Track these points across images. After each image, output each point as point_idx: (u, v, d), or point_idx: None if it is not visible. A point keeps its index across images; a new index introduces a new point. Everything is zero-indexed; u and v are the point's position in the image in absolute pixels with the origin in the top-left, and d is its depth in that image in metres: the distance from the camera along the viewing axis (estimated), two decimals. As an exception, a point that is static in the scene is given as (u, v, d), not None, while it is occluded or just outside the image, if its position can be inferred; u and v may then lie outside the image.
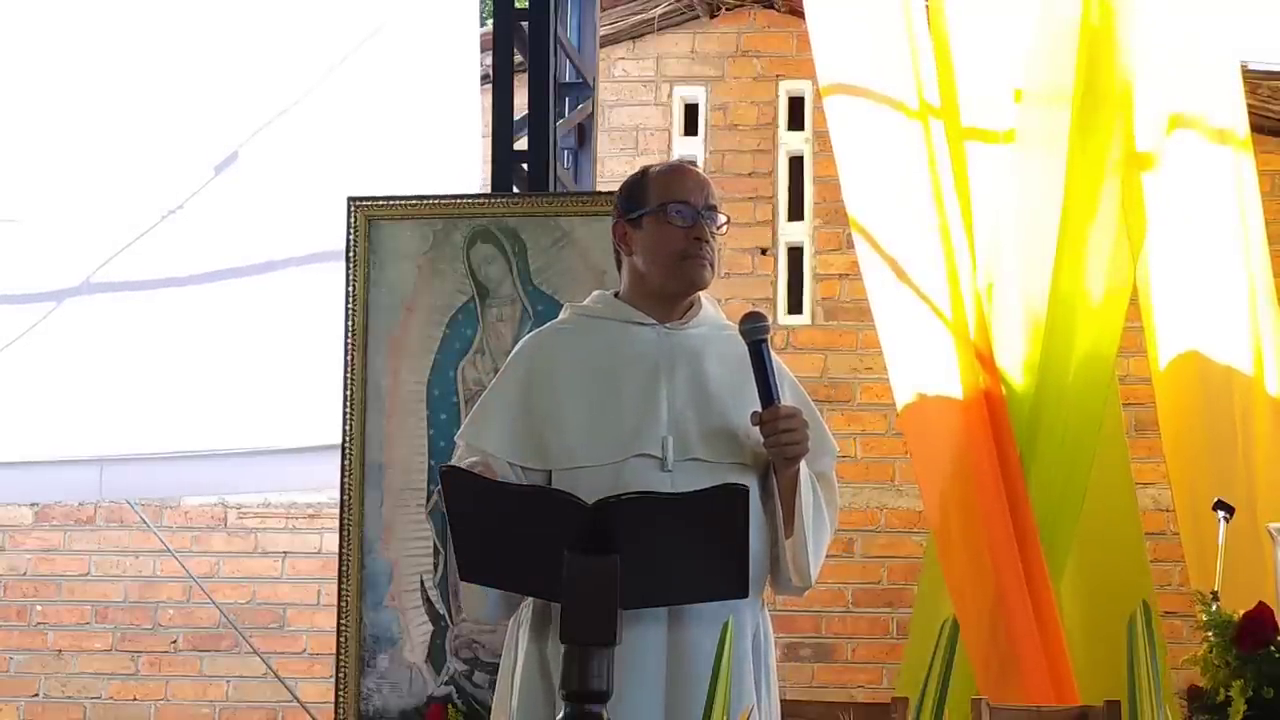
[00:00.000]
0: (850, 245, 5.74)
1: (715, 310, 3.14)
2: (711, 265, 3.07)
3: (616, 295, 3.13)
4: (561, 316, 3.19)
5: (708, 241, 3.05)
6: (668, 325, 3.07)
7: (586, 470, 2.94)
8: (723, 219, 3.10)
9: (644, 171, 3.15)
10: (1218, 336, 5.23)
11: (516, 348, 3.17)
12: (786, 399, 3.05)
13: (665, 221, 3.05)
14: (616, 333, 3.07)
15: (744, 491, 2.65)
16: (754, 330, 2.97)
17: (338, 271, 4.92)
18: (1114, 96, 5.18)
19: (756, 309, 3.06)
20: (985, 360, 5.15)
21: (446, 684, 4.71)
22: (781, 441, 2.93)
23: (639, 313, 3.08)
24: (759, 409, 2.96)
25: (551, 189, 5.14)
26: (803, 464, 3.00)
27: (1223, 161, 5.25)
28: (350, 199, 4.89)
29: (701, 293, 3.14)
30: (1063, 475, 5.09)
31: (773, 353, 3.13)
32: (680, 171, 3.14)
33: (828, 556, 3.10)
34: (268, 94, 5.73)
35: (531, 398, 3.02)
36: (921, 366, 5.20)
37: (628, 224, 3.10)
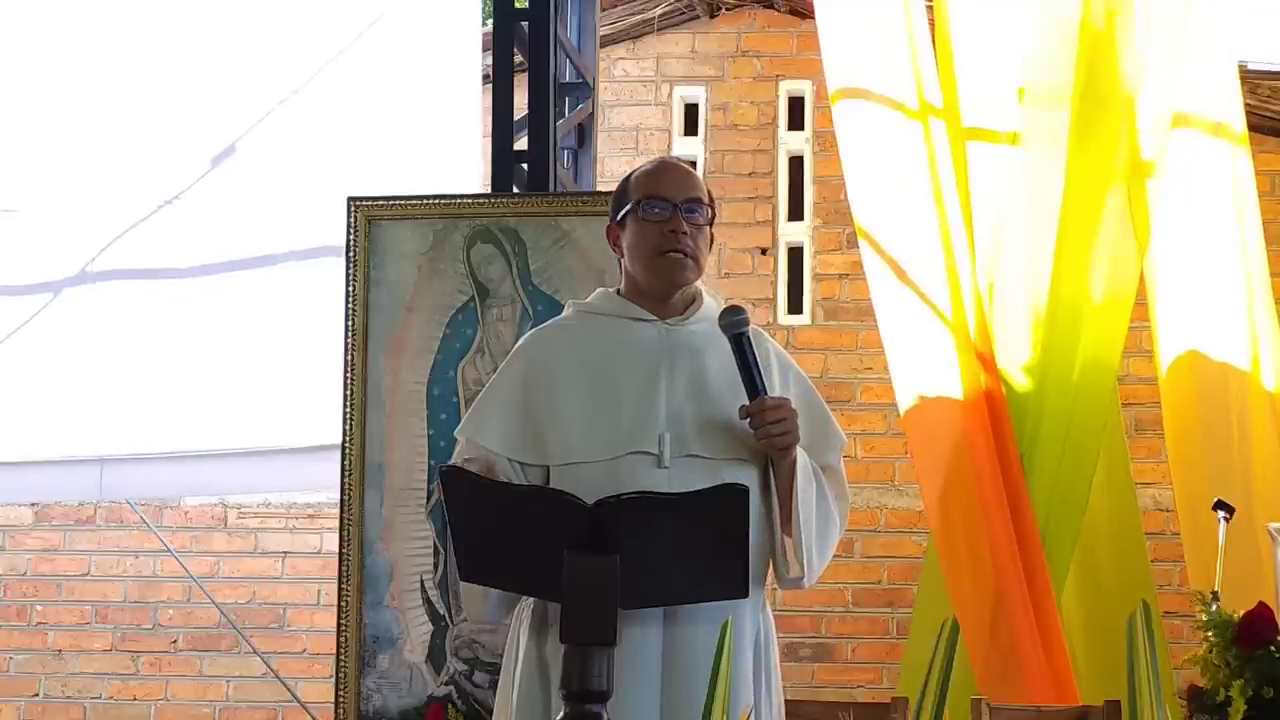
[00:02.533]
0: (850, 245, 5.75)
1: (719, 306, 3.13)
2: (694, 259, 3.05)
3: (619, 293, 3.13)
4: (565, 314, 3.19)
5: (685, 235, 3.03)
6: (668, 321, 3.07)
7: (583, 466, 2.94)
8: (705, 212, 3.07)
9: (629, 174, 3.15)
10: (1215, 335, 5.23)
11: (518, 344, 3.18)
12: (792, 392, 3.06)
13: (642, 219, 3.05)
14: (617, 329, 3.07)
15: (744, 492, 2.65)
16: (733, 324, 2.98)
17: (336, 266, 4.91)
18: (1116, 98, 5.18)
19: (735, 303, 3.06)
20: (986, 361, 5.14)
21: (446, 684, 4.71)
22: (771, 433, 2.93)
23: (640, 309, 3.07)
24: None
25: (551, 189, 5.14)
26: (803, 456, 2.99)
27: (1220, 158, 5.25)
28: (350, 199, 4.89)
29: (704, 289, 3.14)
30: (1065, 477, 5.09)
31: (776, 344, 3.14)
32: (659, 169, 3.13)
33: (827, 556, 3.09)
34: (267, 87, 5.72)
35: (531, 394, 3.02)
36: (924, 368, 5.19)
37: (617, 225, 3.11)
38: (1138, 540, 5.34)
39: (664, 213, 3.04)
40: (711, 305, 3.12)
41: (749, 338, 2.97)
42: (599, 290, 3.18)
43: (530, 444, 2.99)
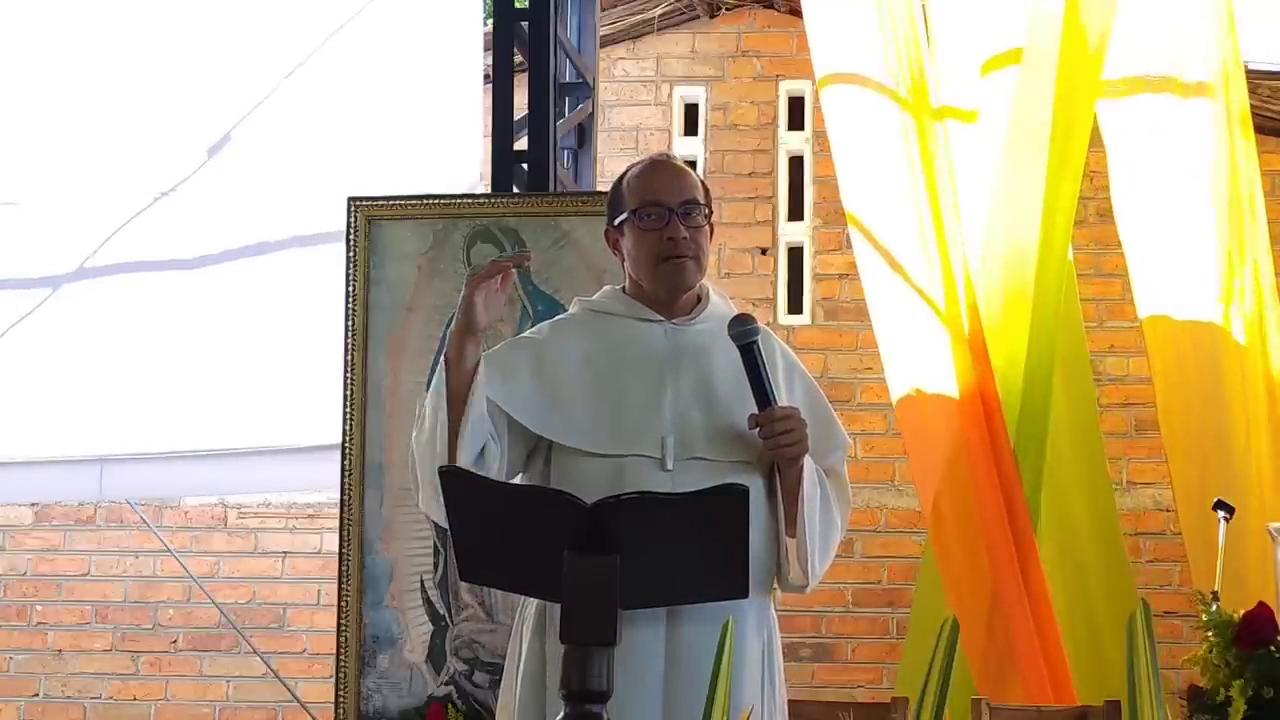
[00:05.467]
0: (850, 245, 5.74)
1: (725, 304, 3.11)
2: (696, 261, 3.02)
3: (625, 291, 3.12)
4: (571, 310, 3.18)
5: (685, 239, 3.00)
6: (674, 321, 3.05)
7: (585, 463, 2.93)
8: (702, 211, 3.03)
9: (622, 176, 3.11)
10: (1209, 322, 5.21)
11: (528, 331, 3.17)
12: (797, 393, 3.05)
13: (639, 227, 3.02)
14: (624, 329, 3.05)
15: (743, 492, 2.64)
16: (743, 334, 2.94)
17: (336, 265, 4.92)
18: (1095, 77, 5.18)
19: (745, 312, 3.02)
20: (980, 356, 5.13)
21: (446, 684, 4.71)
22: (780, 444, 2.92)
23: (646, 309, 3.06)
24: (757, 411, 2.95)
25: (551, 189, 5.14)
26: (808, 460, 2.98)
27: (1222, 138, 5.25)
28: (350, 199, 4.89)
29: (711, 287, 3.12)
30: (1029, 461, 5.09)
31: (785, 346, 3.13)
32: (651, 171, 3.08)
33: (827, 556, 3.09)
34: (267, 84, 5.71)
35: (540, 372, 3.01)
36: (918, 363, 5.19)
37: (615, 230, 3.09)
38: (1118, 547, 5.32)
39: (660, 219, 3.01)
40: (718, 303, 3.10)
41: (759, 347, 2.94)
42: (606, 288, 3.16)
43: (536, 413, 2.98)
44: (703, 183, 3.11)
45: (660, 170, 3.08)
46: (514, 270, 2.94)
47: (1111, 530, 5.30)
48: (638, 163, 3.14)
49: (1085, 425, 5.29)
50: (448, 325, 4.79)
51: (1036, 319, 5.08)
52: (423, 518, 4.72)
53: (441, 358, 2.96)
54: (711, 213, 3.08)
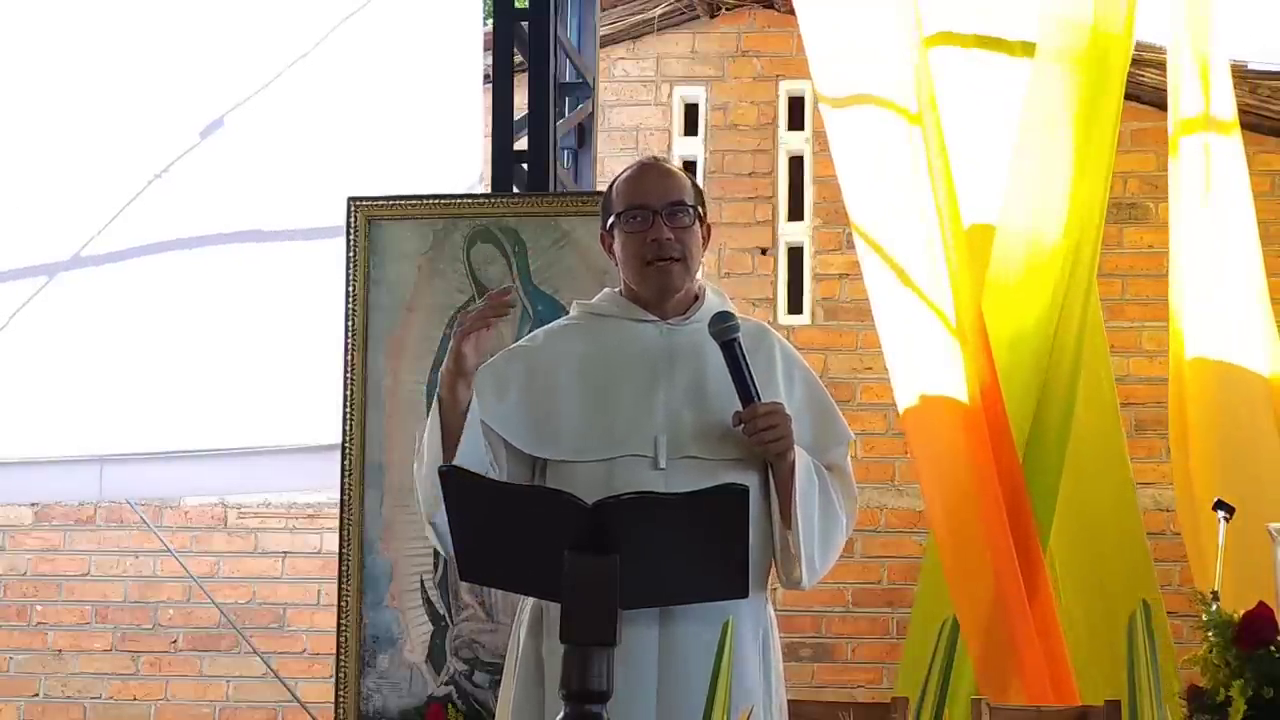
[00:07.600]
0: (850, 245, 5.75)
1: (721, 302, 3.11)
2: (683, 262, 3.03)
3: (622, 293, 3.13)
4: (570, 314, 3.19)
5: (669, 240, 3.01)
6: (670, 321, 3.06)
7: (578, 467, 2.94)
8: (690, 213, 3.04)
9: (613, 180, 3.13)
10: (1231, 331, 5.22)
11: (525, 338, 3.17)
12: (796, 389, 3.05)
13: (624, 230, 3.04)
14: (620, 331, 3.07)
15: (744, 492, 2.64)
16: (723, 331, 2.95)
17: (334, 255, 4.91)
18: (1123, 73, 5.18)
19: (724, 309, 3.03)
20: (986, 360, 5.12)
21: (446, 684, 4.71)
22: (765, 439, 2.92)
23: (641, 310, 3.07)
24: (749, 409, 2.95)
25: (551, 189, 5.15)
26: (805, 456, 2.99)
27: (1234, 156, 5.25)
28: (350, 199, 4.90)
29: (710, 285, 3.13)
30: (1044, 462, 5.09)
31: (786, 343, 3.13)
32: (638, 174, 3.10)
33: (828, 555, 3.08)
34: (266, 84, 5.71)
35: (532, 388, 3.02)
36: (923, 367, 5.18)
37: (608, 234, 3.11)
38: (1138, 539, 5.33)
39: (645, 222, 3.02)
40: (715, 302, 3.10)
41: (740, 344, 2.95)
42: (604, 290, 3.18)
43: (527, 432, 2.99)
44: (694, 184, 3.12)
45: (646, 173, 3.09)
46: (496, 320, 2.96)
47: (1134, 531, 5.30)
48: (627, 167, 3.15)
49: (1106, 419, 5.29)
50: (448, 325, 4.80)
51: (1064, 316, 5.08)
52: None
53: (435, 397, 2.98)
54: (702, 213, 3.09)
